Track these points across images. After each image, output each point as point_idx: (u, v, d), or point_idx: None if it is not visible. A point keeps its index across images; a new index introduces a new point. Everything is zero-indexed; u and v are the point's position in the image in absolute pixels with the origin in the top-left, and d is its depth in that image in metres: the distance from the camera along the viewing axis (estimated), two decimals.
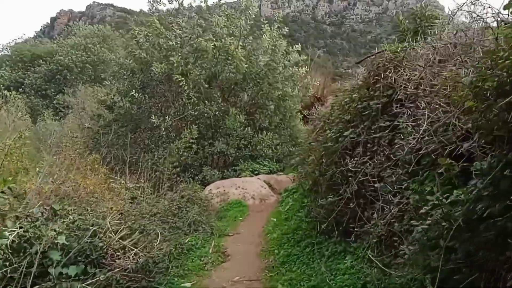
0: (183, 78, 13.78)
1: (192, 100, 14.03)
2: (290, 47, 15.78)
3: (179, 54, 14.21)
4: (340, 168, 5.52)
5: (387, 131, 4.90)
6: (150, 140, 15.51)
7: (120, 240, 5.47)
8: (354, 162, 5.18)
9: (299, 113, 16.48)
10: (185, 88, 13.85)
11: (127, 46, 18.19)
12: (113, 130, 15.99)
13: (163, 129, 13.86)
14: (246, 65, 13.95)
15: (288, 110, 15.84)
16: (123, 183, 10.77)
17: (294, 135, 16.27)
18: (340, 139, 5.77)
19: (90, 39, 29.85)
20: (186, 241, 7.54)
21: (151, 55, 14.69)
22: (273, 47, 14.88)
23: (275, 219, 8.93)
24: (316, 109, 11.65)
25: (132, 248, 5.41)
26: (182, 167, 14.15)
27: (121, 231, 5.62)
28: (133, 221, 6.76)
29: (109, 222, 5.61)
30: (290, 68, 15.37)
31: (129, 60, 15.56)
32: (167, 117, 13.84)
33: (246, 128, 14.19)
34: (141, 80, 15.32)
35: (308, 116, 11.97)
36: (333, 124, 6.41)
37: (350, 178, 5.25)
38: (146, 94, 15.01)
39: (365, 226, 5.02)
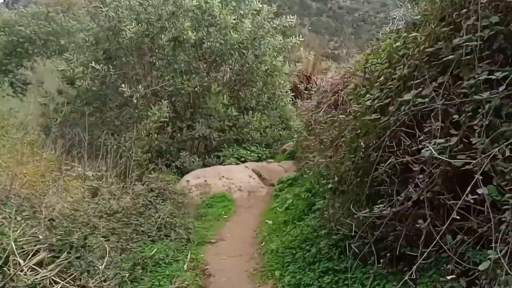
0: (154, 44, 11.64)
1: (166, 71, 11.90)
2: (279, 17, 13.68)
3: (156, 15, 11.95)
4: (395, 157, 3.58)
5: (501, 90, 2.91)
6: (118, 119, 13.33)
7: (35, 268, 3.46)
8: (427, 144, 3.19)
9: (289, 92, 14.51)
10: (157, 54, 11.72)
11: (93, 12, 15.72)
12: (73, 109, 13.79)
13: (135, 101, 11.64)
14: (236, 35, 11.83)
15: (278, 87, 13.83)
16: (80, 171, 8.74)
17: (284, 117, 14.34)
18: (391, 107, 3.80)
19: (53, 7, 26.91)
20: (152, 253, 5.54)
21: (120, 17, 12.31)
22: (258, 11, 12.76)
23: (270, 221, 7.03)
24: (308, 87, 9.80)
25: (54, 281, 3.41)
26: (155, 153, 12.09)
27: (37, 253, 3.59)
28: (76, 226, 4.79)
29: (16, 240, 3.57)
30: (280, 38, 13.34)
31: (93, 24, 13.17)
32: (139, 87, 11.61)
33: (230, 108, 12.12)
34: (107, 50, 12.97)
35: (305, 92, 10.03)
36: (374, 87, 4.37)
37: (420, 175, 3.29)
38: (111, 66, 12.65)
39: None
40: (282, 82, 13.90)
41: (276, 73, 13.57)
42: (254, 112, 12.76)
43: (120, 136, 12.06)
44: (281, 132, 13.85)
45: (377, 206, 3.61)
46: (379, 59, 4.61)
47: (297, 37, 13.49)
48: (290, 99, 14.56)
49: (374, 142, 3.91)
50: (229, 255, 5.99)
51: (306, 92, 9.80)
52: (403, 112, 3.53)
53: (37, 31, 26.90)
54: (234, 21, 11.86)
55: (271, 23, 13.02)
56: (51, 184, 6.77)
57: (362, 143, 4.06)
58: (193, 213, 7.88)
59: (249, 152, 11.98)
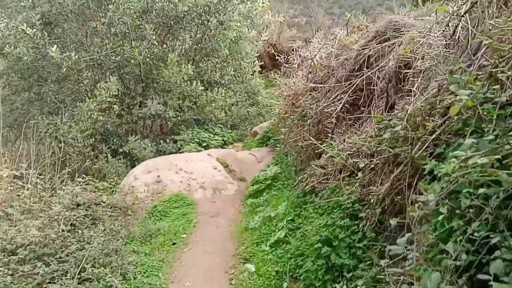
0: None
1: (107, 36, 9.79)
2: None
3: None
4: None
5: None
6: (57, 97, 11.13)
7: None
8: None
9: (257, 62, 12.67)
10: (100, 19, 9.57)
11: None
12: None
13: (64, 69, 9.51)
14: None
15: (245, 57, 11.96)
16: None
17: (251, 91, 12.56)
18: None
19: None
20: None
21: None
22: None
23: (252, 267, 4.61)
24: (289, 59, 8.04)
25: None
26: (100, 136, 10.11)
27: None
28: None
29: None
30: (249, 2, 11.42)
31: None
32: (73, 54, 9.42)
33: (194, 83, 10.16)
34: (45, 14, 10.55)
35: (286, 66, 8.25)
36: None
37: None
38: (46, 33, 10.30)
39: None
40: (250, 51, 12.04)
41: (241, 41, 11.70)
42: (219, 87, 10.89)
43: (58, 117, 9.97)
44: (249, 109, 12.11)
45: None
46: None
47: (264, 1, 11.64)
48: (258, 70, 12.78)
49: None
50: None
51: (287, 66, 8.00)
52: None
53: None
54: None
55: None
56: None
57: None
58: (139, 230, 5.80)
59: (212, 135, 10.20)
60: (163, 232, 5.61)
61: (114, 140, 10.14)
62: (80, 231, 4.63)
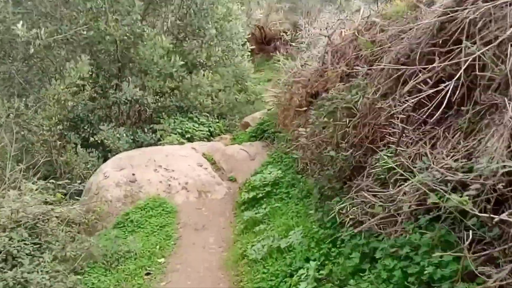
0: None
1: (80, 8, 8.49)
2: None
3: None
4: None
5: None
6: (25, 76, 9.73)
7: None
8: None
9: (247, 44, 11.47)
10: None
11: None
12: None
13: (32, 50, 8.19)
14: None
15: (235, 37, 10.73)
16: None
17: (240, 76, 11.36)
18: None
19: None
20: None
21: None
22: None
23: None
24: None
25: None
26: (69, 122, 8.87)
27: None
28: None
29: None
30: None
31: None
32: (41, 32, 8.08)
33: (173, 57, 8.86)
34: None
35: (291, 44, 7.13)
36: None
37: None
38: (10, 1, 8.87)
39: None
40: (241, 30, 10.80)
41: (232, 18, 10.49)
42: (205, 70, 9.69)
43: (21, 99, 8.65)
44: (237, 96, 10.95)
45: None
46: None
47: None
48: (248, 53, 11.58)
49: None
50: None
51: (293, 44, 6.85)
52: None
53: None
54: None
55: None
56: None
57: None
58: (104, 249, 4.53)
59: (197, 125, 9.04)
60: (135, 255, 4.48)
61: (85, 128, 8.91)
62: (18, 265, 3.48)
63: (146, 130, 8.79)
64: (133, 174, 6.57)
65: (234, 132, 9.40)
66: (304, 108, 5.50)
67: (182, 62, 9.02)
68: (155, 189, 6.28)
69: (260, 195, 5.57)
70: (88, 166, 8.11)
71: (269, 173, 5.83)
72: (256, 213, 5.04)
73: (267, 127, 7.84)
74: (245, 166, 7.10)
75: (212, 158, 7.39)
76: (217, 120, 9.69)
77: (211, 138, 9.05)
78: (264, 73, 14.34)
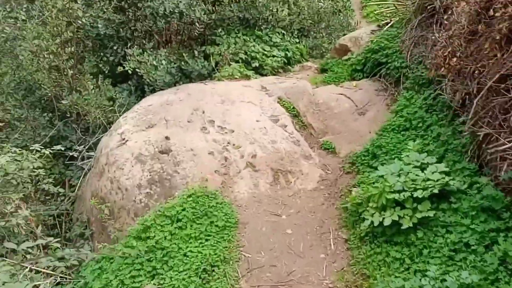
0: None
1: None
2: None
3: None
4: None
5: None
6: None
7: None
8: None
9: None
10: None
11: None
12: None
13: None
14: None
15: None
16: None
17: None
18: None
19: None
20: None
21: None
22: None
23: None
24: None
25: None
26: (82, 44, 6.25)
27: None
28: None
29: None
30: None
31: None
32: None
33: None
34: None
35: None
36: None
37: None
38: None
39: None
40: None
41: None
42: None
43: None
44: (321, 2, 7.68)
45: None
46: None
47: None
48: None
49: None
50: None
51: None
52: None
53: None
54: None
55: None
56: None
57: None
58: None
59: (268, 47, 6.08)
60: None
61: (115, 49, 6.23)
62: None
63: (196, 53, 6.00)
64: (167, 138, 3.95)
65: (324, 59, 6.33)
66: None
67: None
68: (201, 168, 3.66)
69: (419, 214, 2.60)
70: (115, 108, 5.61)
71: (419, 163, 2.91)
72: (410, 252, 2.26)
73: (386, 57, 4.71)
74: (349, 125, 4.26)
75: (293, 107, 4.56)
76: (297, 40, 6.63)
77: (288, 67, 6.13)
78: None
